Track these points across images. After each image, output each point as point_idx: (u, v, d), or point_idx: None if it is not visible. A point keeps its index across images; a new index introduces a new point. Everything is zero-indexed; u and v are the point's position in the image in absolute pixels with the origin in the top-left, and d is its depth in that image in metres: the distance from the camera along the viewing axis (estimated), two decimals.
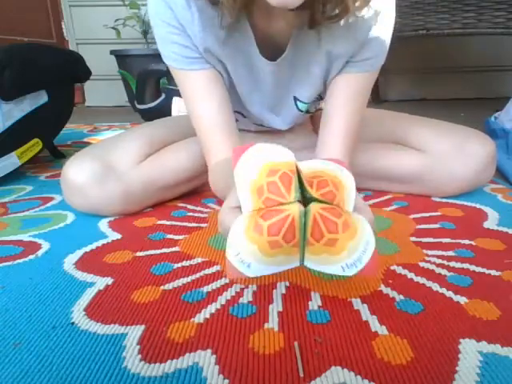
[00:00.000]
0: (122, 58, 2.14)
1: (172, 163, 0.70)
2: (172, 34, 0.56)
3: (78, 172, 0.63)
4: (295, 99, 0.67)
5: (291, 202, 0.34)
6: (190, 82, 0.60)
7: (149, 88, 1.54)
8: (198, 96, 0.60)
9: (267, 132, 0.79)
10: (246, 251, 0.34)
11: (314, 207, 0.34)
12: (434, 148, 0.70)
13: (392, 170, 0.74)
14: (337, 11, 0.49)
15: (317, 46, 0.58)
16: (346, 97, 0.62)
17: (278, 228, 0.33)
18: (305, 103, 0.68)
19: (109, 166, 0.64)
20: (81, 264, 0.52)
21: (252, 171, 0.36)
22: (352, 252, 0.35)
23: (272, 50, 0.59)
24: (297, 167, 0.36)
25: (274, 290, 0.45)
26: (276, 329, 0.39)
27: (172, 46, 0.57)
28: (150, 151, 0.70)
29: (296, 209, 0.34)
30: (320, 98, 0.71)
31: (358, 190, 0.78)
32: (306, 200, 0.35)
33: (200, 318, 0.41)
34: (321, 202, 0.35)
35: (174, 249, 0.56)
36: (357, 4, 0.48)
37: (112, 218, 0.67)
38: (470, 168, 0.69)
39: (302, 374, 0.33)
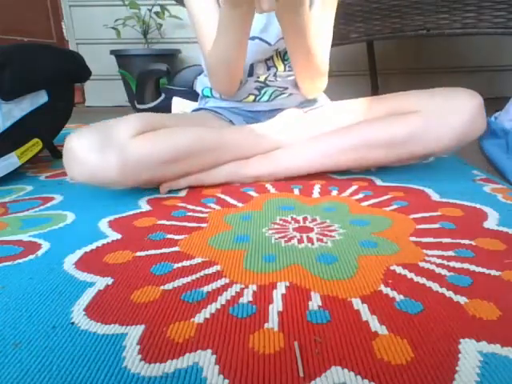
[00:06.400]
0: (122, 58, 2.14)
1: (168, 139, 0.73)
2: None
3: (77, 140, 0.68)
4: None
5: None
6: (197, 3, 0.79)
7: (149, 88, 1.54)
8: (205, 16, 0.78)
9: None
10: None
11: None
12: (426, 106, 0.77)
13: (394, 135, 0.78)
14: None
15: None
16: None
17: None
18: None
19: (108, 137, 0.69)
20: (81, 264, 0.52)
21: None
22: None
23: None
24: None
25: (274, 290, 0.45)
26: (276, 329, 0.39)
27: None
28: (149, 130, 0.73)
29: None
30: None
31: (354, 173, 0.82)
32: None
33: (200, 318, 0.41)
34: None
35: (174, 249, 0.56)
36: None
37: (112, 218, 0.68)
38: (460, 118, 0.75)
39: (302, 374, 0.33)
